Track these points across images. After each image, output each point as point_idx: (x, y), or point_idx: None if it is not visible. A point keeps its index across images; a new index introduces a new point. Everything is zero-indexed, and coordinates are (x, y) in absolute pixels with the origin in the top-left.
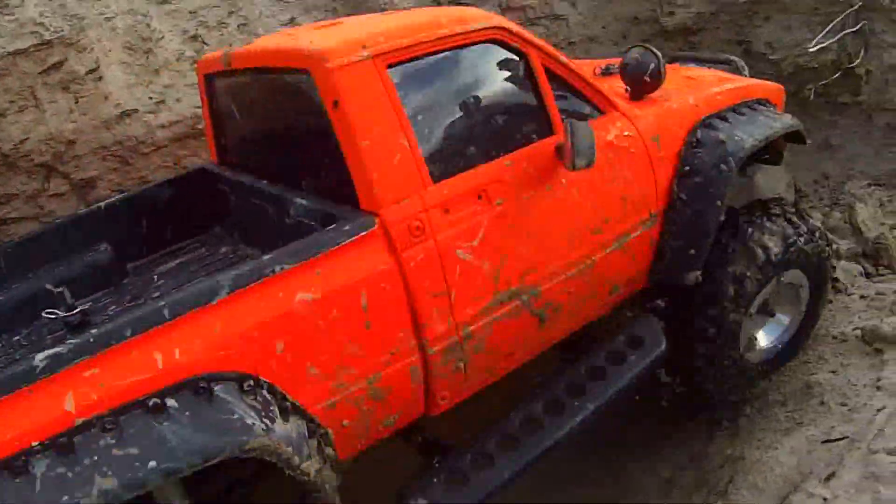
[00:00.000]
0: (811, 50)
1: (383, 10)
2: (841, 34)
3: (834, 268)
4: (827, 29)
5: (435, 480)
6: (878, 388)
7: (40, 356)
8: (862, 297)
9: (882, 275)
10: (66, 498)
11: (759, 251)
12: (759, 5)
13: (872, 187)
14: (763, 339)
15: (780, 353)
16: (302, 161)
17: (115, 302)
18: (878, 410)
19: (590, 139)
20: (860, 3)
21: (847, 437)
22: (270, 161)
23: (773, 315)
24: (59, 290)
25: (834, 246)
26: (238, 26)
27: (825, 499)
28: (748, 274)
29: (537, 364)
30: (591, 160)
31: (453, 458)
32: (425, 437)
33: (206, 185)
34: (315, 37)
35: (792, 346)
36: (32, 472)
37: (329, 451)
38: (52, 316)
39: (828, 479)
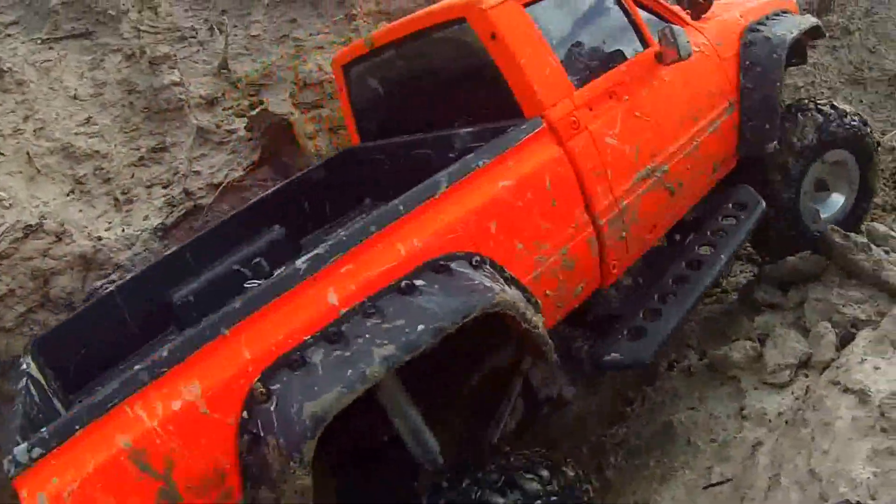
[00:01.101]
0: None
1: (179, 102)
2: None
3: (878, 144)
4: None
5: (619, 338)
6: (744, 418)
7: (301, 259)
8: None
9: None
10: (350, 371)
11: (795, 140)
12: None
13: None
14: (825, 212)
15: (843, 223)
16: (457, 102)
17: None
18: (754, 446)
19: (684, 36)
20: None
21: (729, 478)
22: (420, 116)
23: (829, 191)
24: (257, 261)
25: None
26: (34, 130)
27: None
28: (789, 160)
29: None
30: (689, 51)
31: (627, 321)
32: (596, 314)
33: (353, 164)
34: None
35: (854, 215)
36: (311, 362)
37: (541, 318)
38: (255, 283)
39: None
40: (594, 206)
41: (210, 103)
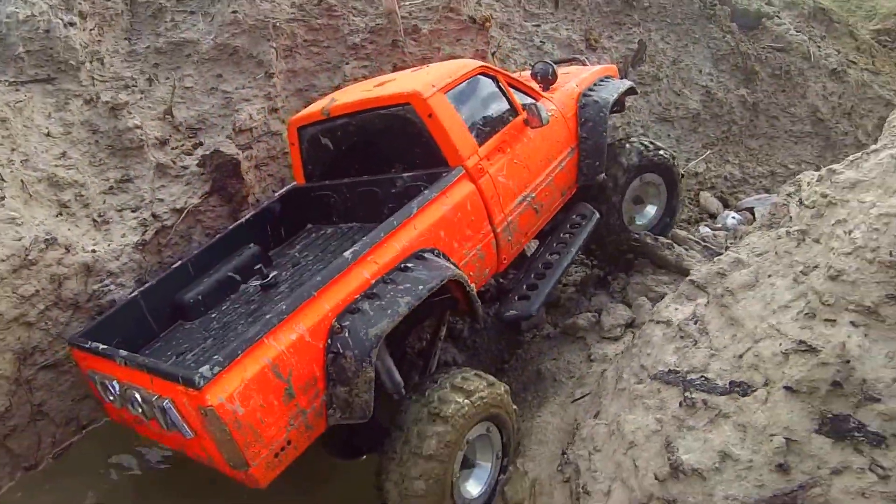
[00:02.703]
0: None
1: (139, 141)
2: None
3: (682, 175)
4: None
5: (513, 301)
6: (592, 360)
7: (347, 253)
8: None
9: None
10: (389, 311)
11: (623, 161)
12: None
13: None
14: (641, 220)
15: (653, 228)
16: (395, 156)
17: (284, 272)
18: (603, 371)
19: (544, 110)
20: None
21: (588, 393)
22: (363, 166)
23: (643, 204)
24: (258, 266)
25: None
26: (21, 162)
27: (606, 424)
28: (618, 174)
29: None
30: (548, 119)
31: (516, 290)
32: (500, 284)
33: (298, 198)
34: (396, 85)
35: (661, 225)
36: (363, 309)
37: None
38: (256, 283)
39: (596, 415)
40: (494, 220)
41: (163, 143)
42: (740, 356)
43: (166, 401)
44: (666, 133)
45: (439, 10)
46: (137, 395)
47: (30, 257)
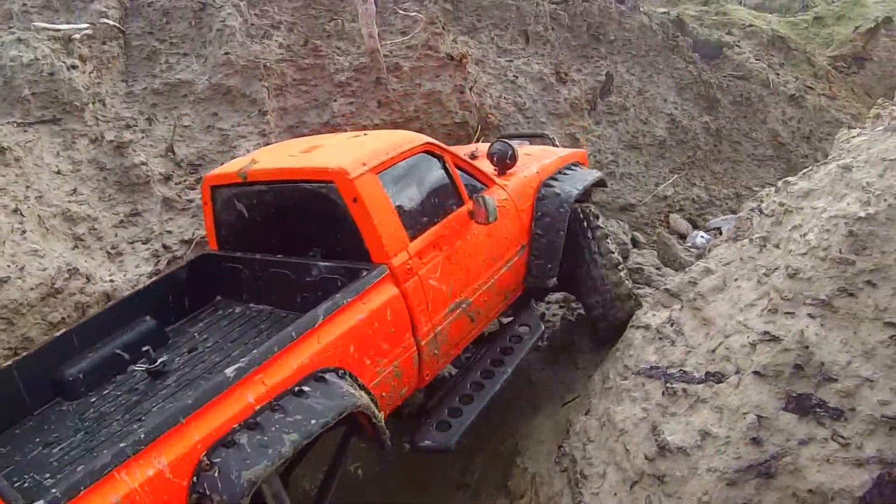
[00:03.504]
0: None
1: (146, 177)
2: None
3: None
4: None
5: (430, 429)
6: (578, 368)
7: (229, 370)
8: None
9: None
10: (270, 451)
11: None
12: None
13: None
14: None
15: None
16: (312, 238)
17: (178, 356)
18: (590, 376)
19: (493, 204)
20: (479, 131)
21: (577, 395)
22: (277, 241)
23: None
24: (146, 349)
25: None
26: (36, 198)
27: (597, 418)
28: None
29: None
30: (496, 216)
31: (436, 415)
32: (410, 409)
33: (209, 267)
34: (323, 156)
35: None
36: (240, 443)
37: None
38: (142, 367)
39: (587, 412)
40: (418, 331)
41: (167, 178)
42: (713, 350)
43: None
44: (634, 160)
45: (419, 49)
46: None
47: (56, 286)
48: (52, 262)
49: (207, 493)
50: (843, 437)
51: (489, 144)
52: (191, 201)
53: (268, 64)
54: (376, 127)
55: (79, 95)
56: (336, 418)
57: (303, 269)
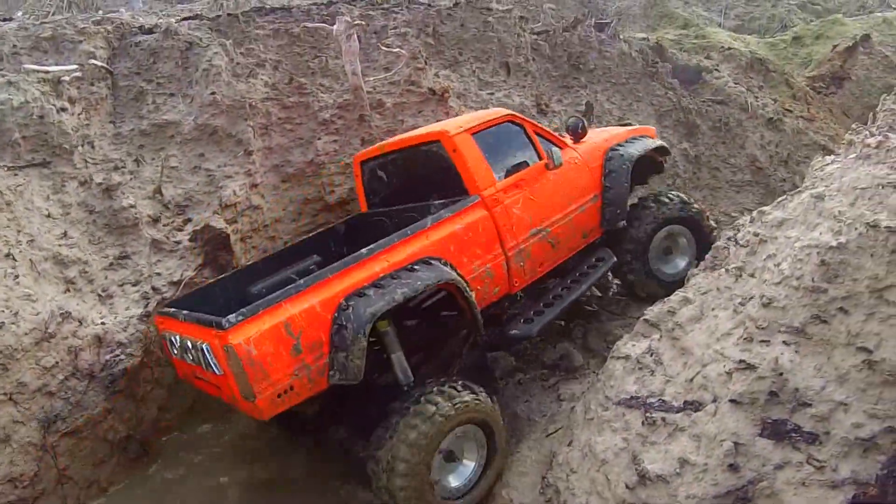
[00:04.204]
0: None
1: (134, 220)
2: None
3: (713, 229)
4: None
5: (518, 322)
6: (561, 399)
7: (364, 249)
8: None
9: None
10: (387, 297)
11: (651, 212)
12: None
13: None
14: (669, 269)
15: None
16: (432, 186)
17: None
18: (572, 407)
19: (559, 154)
20: None
21: (560, 427)
22: (409, 193)
23: (671, 254)
24: (312, 266)
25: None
26: (27, 242)
27: (579, 449)
28: (645, 224)
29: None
30: (560, 162)
31: (523, 314)
32: (509, 312)
33: (359, 223)
34: (435, 126)
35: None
36: (367, 294)
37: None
38: None
39: (569, 444)
40: (505, 244)
41: (155, 220)
42: (691, 379)
43: (205, 344)
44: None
45: (401, 84)
46: (189, 343)
47: (49, 330)
48: (44, 306)
49: (343, 323)
50: (818, 460)
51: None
52: (178, 243)
53: (253, 103)
54: None
55: (68, 138)
56: (434, 284)
57: (426, 210)
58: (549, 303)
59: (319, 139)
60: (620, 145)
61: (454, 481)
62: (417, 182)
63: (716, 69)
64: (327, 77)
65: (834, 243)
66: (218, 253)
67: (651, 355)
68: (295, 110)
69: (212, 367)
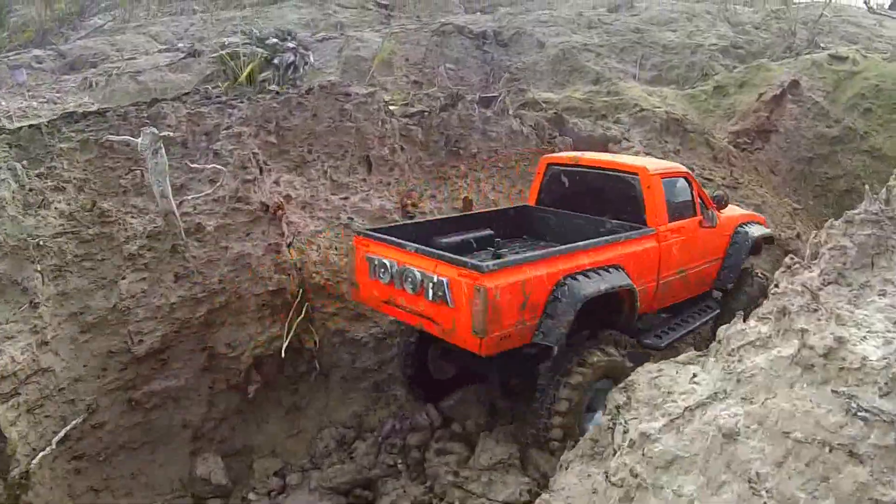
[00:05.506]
0: (263, 340)
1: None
2: (289, 320)
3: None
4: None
5: (651, 336)
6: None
7: (581, 242)
8: None
9: None
10: (592, 286)
11: (757, 282)
12: (213, 314)
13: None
14: None
15: None
16: (607, 207)
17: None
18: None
19: (715, 217)
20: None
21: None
22: (582, 206)
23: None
24: (498, 239)
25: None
26: None
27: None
28: (749, 290)
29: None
30: (715, 224)
31: (655, 330)
32: (640, 328)
33: (524, 213)
34: (630, 161)
35: None
36: (580, 280)
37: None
38: (493, 249)
39: None
40: (660, 273)
41: None
42: None
43: (444, 279)
44: None
45: (226, 201)
46: (416, 274)
47: None
48: None
49: (559, 297)
50: None
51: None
52: None
53: (42, 242)
54: (171, 306)
55: None
56: (622, 286)
57: (598, 224)
58: (672, 327)
59: (125, 278)
60: (746, 224)
61: (589, 429)
62: (596, 198)
63: (625, 138)
64: (142, 195)
65: None
66: None
67: None
68: (96, 243)
69: (443, 299)
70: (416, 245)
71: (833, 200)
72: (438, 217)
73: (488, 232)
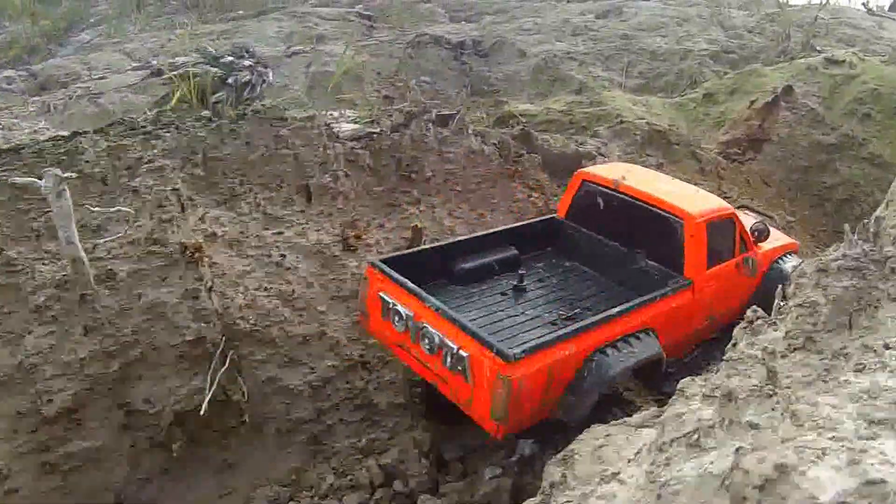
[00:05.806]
0: (184, 393)
1: None
2: (211, 371)
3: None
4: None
5: (668, 382)
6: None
7: (614, 310)
8: None
9: None
10: (624, 362)
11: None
12: (129, 368)
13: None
14: None
15: None
16: (642, 240)
17: (531, 281)
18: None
19: (755, 266)
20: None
21: None
22: (614, 232)
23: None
24: (522, 272)
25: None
26: None
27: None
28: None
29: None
30: (755, 274)
31: (673, 377)
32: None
33: (551, 226)
34: (677, 199)
35: None
36: (609, 353)
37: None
38: (514, 281)
39: None
40: (692, 324)
41: None
42: None
43: (464, 354)
44: None
45: (142, 244)
46: (435, 337)
47: None
48: None
49: (585, 374)
50: None
51: (752, 218)
52: None
53: None
54: (81, 361)
55: None
56: (656, 356)
57: (631, 258)
58: (698, 368)
59: (31, 332)
60: (781, 259)
61: None
62: (633, 229)
63: (601, 154)
64: (55, 239)
65: None
66: None
67: None
68: (1, 296)
69: (461, 374)
70: (438, 304)
71: (832, 209)
72: (459, 238)
73: (512, 252)
